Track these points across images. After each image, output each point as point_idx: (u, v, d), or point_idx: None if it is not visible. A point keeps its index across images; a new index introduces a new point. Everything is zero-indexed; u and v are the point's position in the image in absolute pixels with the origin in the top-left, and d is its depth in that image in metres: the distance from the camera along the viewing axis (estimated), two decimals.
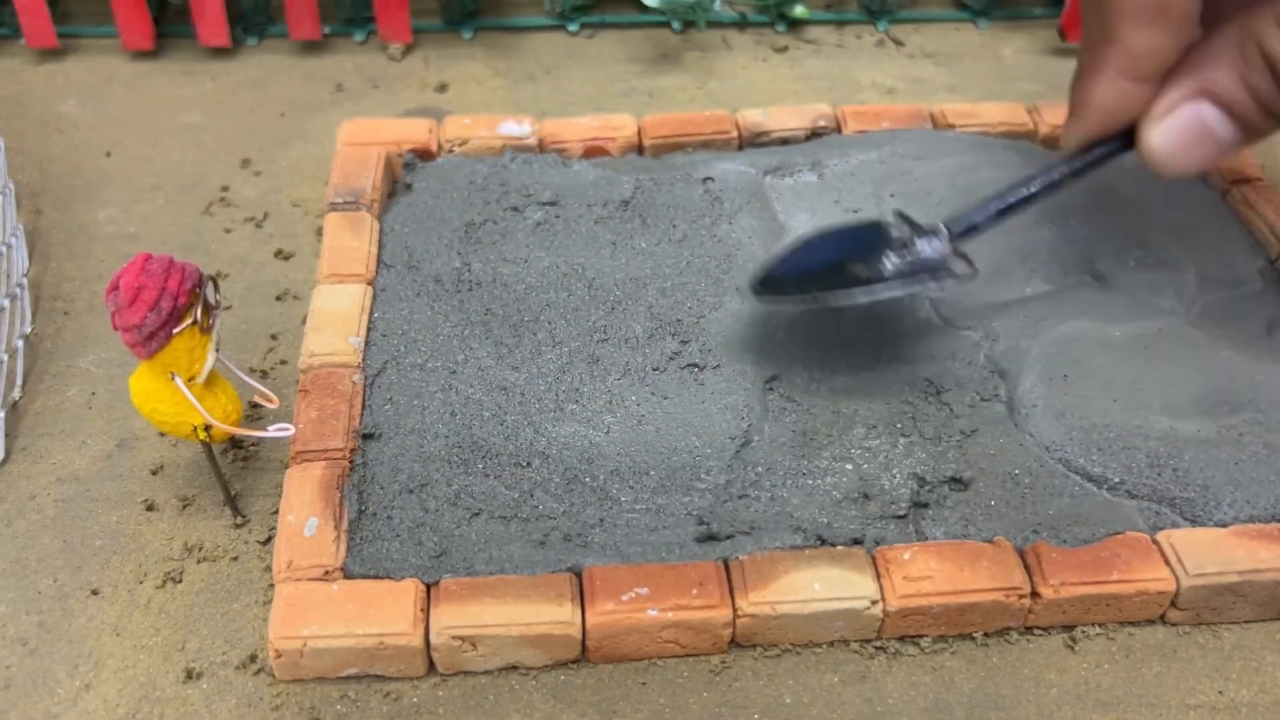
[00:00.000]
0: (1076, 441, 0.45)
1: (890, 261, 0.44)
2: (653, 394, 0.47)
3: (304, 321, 0.49)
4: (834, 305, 0.45)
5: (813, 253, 0.47)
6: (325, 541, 0.41)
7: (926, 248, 0.45)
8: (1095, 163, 0.45)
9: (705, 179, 0.56)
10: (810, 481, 0.44)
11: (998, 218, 0.46)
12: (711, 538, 0.42)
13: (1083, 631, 0.42)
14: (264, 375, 0.50)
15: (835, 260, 0.46)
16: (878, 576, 0.40)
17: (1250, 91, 0.38)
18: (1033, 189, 0.45)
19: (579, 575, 0.40)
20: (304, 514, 0.41)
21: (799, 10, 0.72)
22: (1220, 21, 0.41)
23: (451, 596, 0.39)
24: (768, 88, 0.68)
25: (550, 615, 0.39)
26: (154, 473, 0.46)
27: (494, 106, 0.66)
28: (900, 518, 0.43)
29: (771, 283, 0.47)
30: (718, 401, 0.46)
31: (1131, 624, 0.42)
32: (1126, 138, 0.44)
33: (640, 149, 0.59)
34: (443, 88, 0.67)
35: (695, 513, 0.43)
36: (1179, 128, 0.40)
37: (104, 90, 0.66)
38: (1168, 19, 0.39)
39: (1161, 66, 0.41)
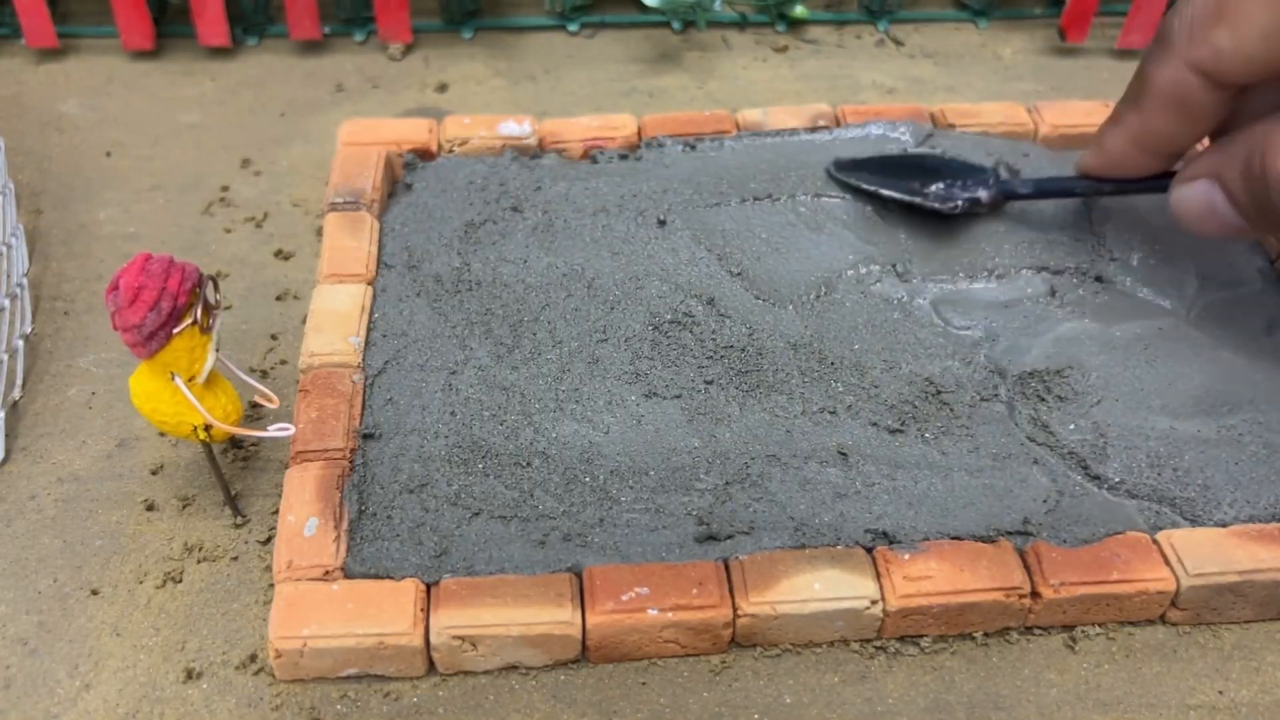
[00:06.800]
0: (1076, 441, 0.45)
1: (935, 190, 0.53)
2: (652, 394, 0.47)
3: (304, 321, 0.49)
4: (875, 195, 0.54)
5: (894, 162, 0.56)
6: (325, 541, 0.41)
7: (973, 192, 0.53)
8: (1135, 190, 0.50)
9: None
10: (810, 481, 0.44)
11: (1037, 195, 0.53)
12: (711, 538, 0.42)
13: (1083, 631, 0.42)
14: (264, 375, 0.50)
15: (901, 171, 0.55)
16: (878, 576, 0.40)
17: (1248, 191, 0.43)
18: (1075, 188, 0.52)
19: (579, 575, 0.40)
20: (304, 514, 0.41)
21: (799, 10, 0.72)
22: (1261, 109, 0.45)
23: (451, 596, 0.39)
24: (768, 88, 0.68)
25: (550, 615, 0.39)
26: (154, 473, 0.46)
27: (494, 106, 0.66)
28: (901, 517, 0.43)
29: (849, 166, 0.55)
30: (717, 400, 0.46)
31: (1131, 624, 0.42)
32: (1164, 181, 0.49)
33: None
34: (443, 88, 0.67)
35: (695, 513, 0.43)
36: (1193, 198, 0.46)
37: (104, 90, 0.66)
38: (1188, 115, 0.44)
39: (1168, 149, 0.47)
